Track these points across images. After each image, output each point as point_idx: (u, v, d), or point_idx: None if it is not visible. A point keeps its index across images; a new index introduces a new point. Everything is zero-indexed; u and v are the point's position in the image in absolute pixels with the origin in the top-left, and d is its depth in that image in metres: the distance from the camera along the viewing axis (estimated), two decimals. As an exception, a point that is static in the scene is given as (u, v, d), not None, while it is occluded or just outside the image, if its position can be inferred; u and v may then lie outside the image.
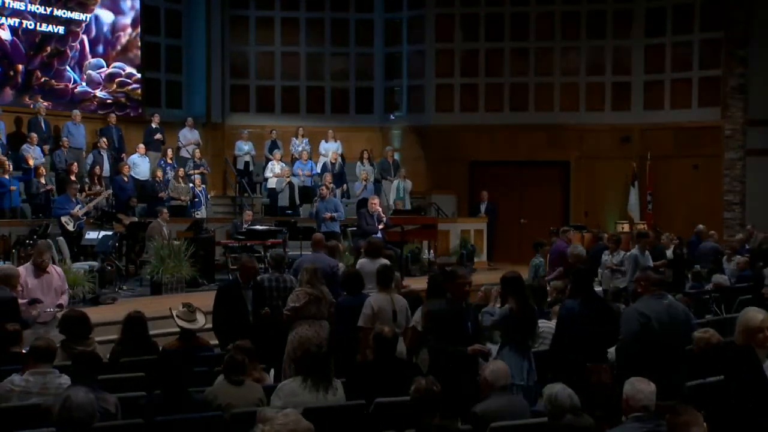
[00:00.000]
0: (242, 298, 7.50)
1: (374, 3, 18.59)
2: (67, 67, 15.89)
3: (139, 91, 16.93)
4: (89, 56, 16.27)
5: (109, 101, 16.43)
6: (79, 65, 16.11)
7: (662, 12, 17.49)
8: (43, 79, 15.48)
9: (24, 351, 5.84)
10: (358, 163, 16.79)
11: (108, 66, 16.52)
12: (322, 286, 7.21)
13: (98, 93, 16.32)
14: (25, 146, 13.80)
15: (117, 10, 16.86)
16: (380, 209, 12.49)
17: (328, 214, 12.96)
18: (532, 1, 18.00)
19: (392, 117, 18.74)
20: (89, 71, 16.22)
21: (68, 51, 15.82)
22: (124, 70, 16.73)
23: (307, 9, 18.50)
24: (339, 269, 8.40)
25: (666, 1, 17.48)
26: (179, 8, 17.97)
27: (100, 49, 16.50)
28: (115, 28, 16.73)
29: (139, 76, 16.96)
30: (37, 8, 15.24)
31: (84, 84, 16.12)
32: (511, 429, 4.68)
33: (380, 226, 12.21)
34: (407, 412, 4.70)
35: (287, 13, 18.52)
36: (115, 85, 16.59)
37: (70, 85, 15.92)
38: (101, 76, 16.41)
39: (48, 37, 15.47)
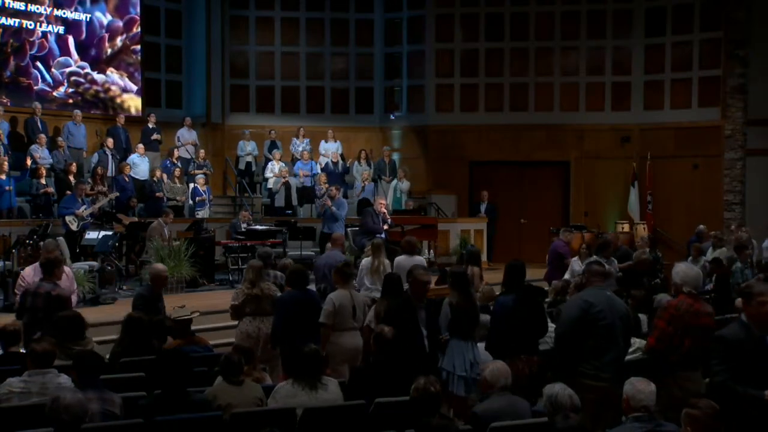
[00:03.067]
0: (416, 319, 6.37)
1: (374, 3, 18.58)
2: (38, 64, 15.59)
3: (92, 91, 16.47)
4: (76, 56, 16.10)
5: (69, 101, 16.05)
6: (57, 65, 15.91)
7: (662, 12, 17.47)
8: (13, 76, 15.28)
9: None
10: (356, 163, 16.80)
11: (74, 64, 16.16)
12: (264, 284, 7.52)
13: (55, 93, 15.90)
14: (33, 147, 13.84)
15: (119, 13, 16.83)
16: (386, 210, 12.61)
17: (331, 207, 13.19)
18: (532, 1, 17.98)
19: (392, 117, 18.74)
20: (54, 70, 15.91)
21: (27, 46, 15.44)
22: (83, 69, 16.34)
23: (307, 9, 18.50)
24: None
25: (666, 1, 17.46)
26: (179, 8, 17.97)
27: (93, 51, 16.39)
28: (110, 30, 16.66)
29: (95, 75, 16.42)
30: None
31: (51, 83, 15.83)
32: (511, 429, 4.68)
33: (385, 227, 12.26)
34: (407, 412, 4.70)
35: (287, 13, 18.52)
36: (74, 86, 16.24)
37: (33, 83, 15.60)
38: (63, 75, 16.09)
39: (5, 30, 15.15)
